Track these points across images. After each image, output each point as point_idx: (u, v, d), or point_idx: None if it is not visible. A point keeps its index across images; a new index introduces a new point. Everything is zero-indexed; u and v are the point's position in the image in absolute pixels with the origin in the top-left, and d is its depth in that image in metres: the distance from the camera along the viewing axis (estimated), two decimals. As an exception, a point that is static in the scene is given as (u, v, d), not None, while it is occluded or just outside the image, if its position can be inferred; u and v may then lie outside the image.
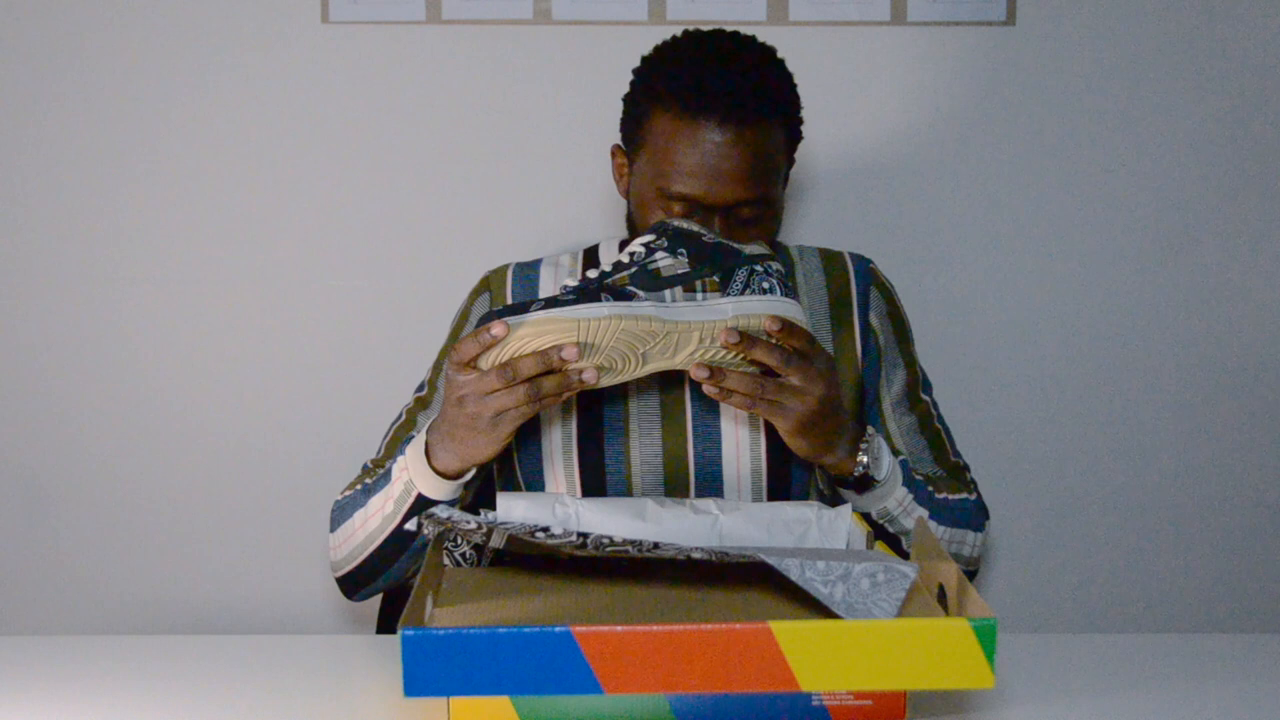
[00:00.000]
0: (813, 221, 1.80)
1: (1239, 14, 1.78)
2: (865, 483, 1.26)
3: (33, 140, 1.81)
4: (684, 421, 1.36)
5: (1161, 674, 1.09)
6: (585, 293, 1.16)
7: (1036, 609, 1.88)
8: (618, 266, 1.20)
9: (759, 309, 1.19)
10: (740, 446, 1.35)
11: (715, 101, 1.27)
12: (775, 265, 1.23)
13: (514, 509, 1.20)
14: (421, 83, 1.80)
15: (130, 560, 1.87)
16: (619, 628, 0.89)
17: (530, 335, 1.12)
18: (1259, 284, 1.83)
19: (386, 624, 1.51)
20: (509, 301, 1.43)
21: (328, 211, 1.82)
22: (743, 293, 1.20)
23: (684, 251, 1.20)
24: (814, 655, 0.90)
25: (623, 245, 1.46)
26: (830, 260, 1.45)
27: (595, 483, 1.35)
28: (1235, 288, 1.83)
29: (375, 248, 1.83)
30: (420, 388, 1.46)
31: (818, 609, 1.02)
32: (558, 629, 0.89)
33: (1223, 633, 1.77)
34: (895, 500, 1.28)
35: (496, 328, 1.11)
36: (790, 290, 1.22)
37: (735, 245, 1.22)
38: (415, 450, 1.25)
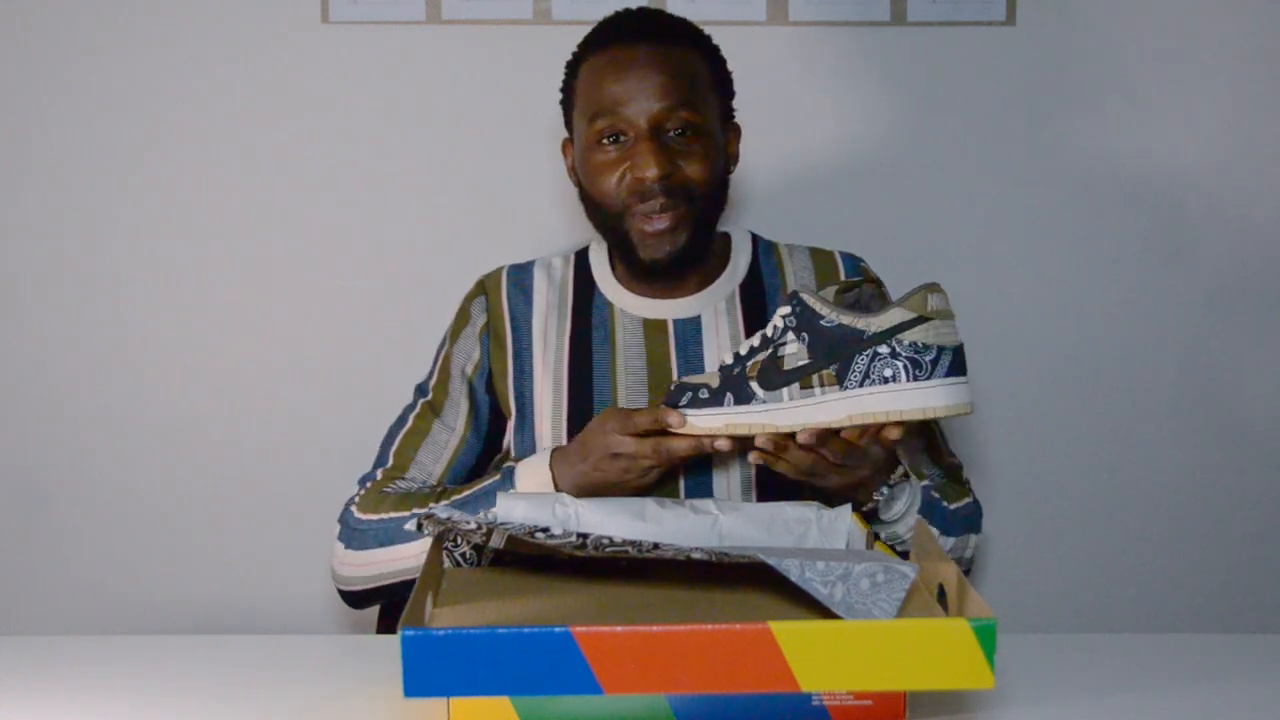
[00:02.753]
0: (812, 221, 1.80)
1: (1238, 15, 1.78)
2: (871, 516, 1.28)
3: (33, 140, 1.81)
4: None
5: (1161, 674, 1.09)
6: (719, 389, 1.19)
7: (1036, 609, 1.88)
8: (761, 343, 1.18)
9: (874, 407, 1.12)
10: (730, 457, 1.35)
11: (630, 28, 1.35)
12: (912, 339, 1.11)
13: (514, 509, 1.20)
14: (421, 83, 1.80)
15: (130, 560, 1.87)
16: (619, 628, 0.89)
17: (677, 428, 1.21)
18: (1259, 284, 1.83)
19: (386, 624, 1.51)
20: (505, 305, 1.44)
21: (327, 212, 1.82)
22: (861, 384, 1.12)
23: (806, 336, 1.15)
24: (814, 655, 0.90)
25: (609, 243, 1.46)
26: (821, 259, 1.45)
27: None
28: (1234, 288, 1.83)
29: (375, 247, 1.83)
30: (423, 390, 1.45)
31: (818, 609, 1.02)
32: (558, 629, 0.89)
33: (1223, 633, 1.77)
34: (906, 527, 1.29)
35: (673, 418, 1.20)
36: (932, 365, 1.11)
37: (858, 325, 1.13)
38: (539, 484, 1.27)
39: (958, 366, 1.11)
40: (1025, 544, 1.87)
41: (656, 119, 1.31)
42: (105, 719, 1.02)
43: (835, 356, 1.13)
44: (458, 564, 1.28)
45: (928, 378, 1.10)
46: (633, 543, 1.01)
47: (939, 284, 1.14)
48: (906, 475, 1.29)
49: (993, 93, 1.79)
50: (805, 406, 1.14)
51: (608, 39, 1.35)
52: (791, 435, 1.17)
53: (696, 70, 1.34)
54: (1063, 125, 1.80)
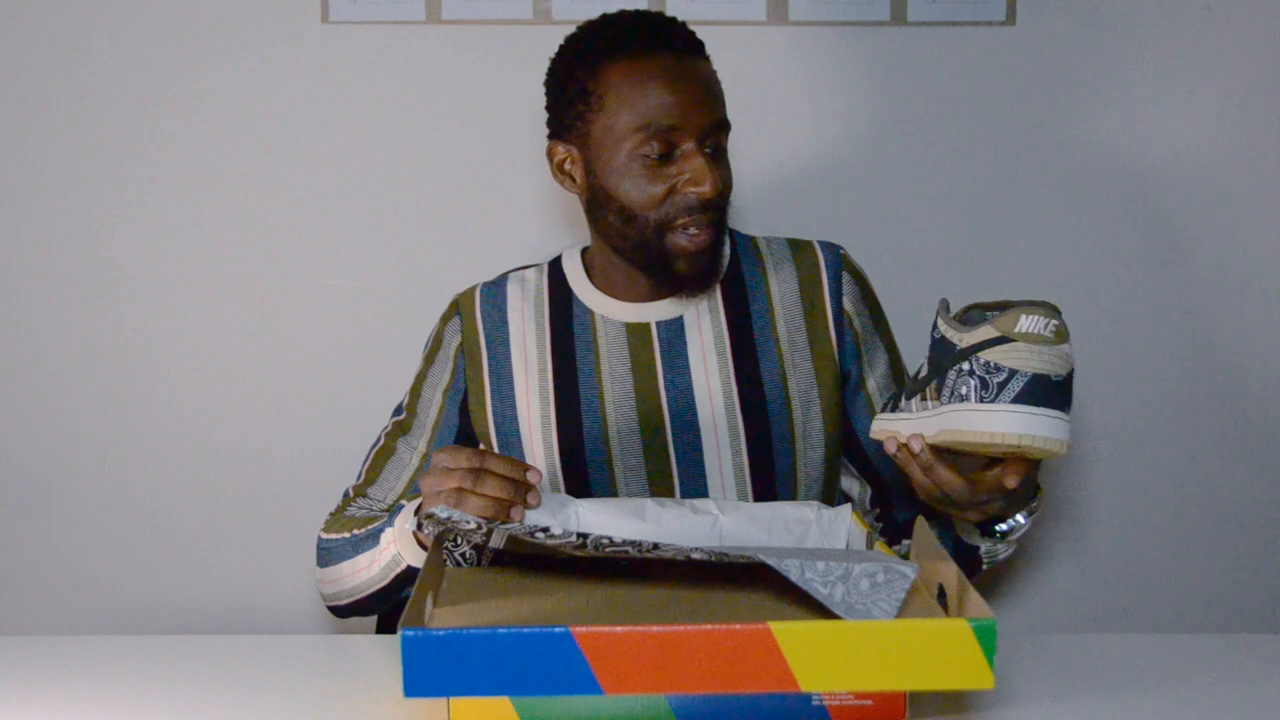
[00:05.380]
0: (812, 221, 1.80)
1: (1238, 14, 1.78)
2: (993, 532, 1.25)
3: (33, 140, 1.81)
4: (664, 433, 1.37)
5: (1162, 674, 1.09)
6: (898, 392, 1.19)
7: (1037, 609, 1.88)
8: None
9: (948, 425, 1.07)
10: (722, 451, 1.35)
11: (661, 36, 1.31)
12: (990, 358, 1.03)
13: (514, 509, 1.20)
14: (421, 83, 1.80)
15: (130, 560, 1.87)
16: (619, 628, 0.89)
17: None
18: (1258, 284, 1.83)
19: (386, 624, 1.51)
20: (480, 324, 1.43)
21: (327, 212, 1.82)
22: (949, 400, 1.07)
23: (928, 347, 1.14)
24: (814, 655, 0.90)
25: (585, 252, 1.46)
26: (800, 250, 1.44)
27: (573, 442, 1.37)
28: (1234, 288, 1.83)
29: (376, 247, 1.83)
30: (398, 411, 1.46)
31: (818, 609, 1.02)
32: (557, 629, 0.89)
33: (1223, 633, 1.77)
34: (1006, 542, 1.28)
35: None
36: (999, 388, 1.03)
37: (951, 340, 1.08)
38: (403, 531, 1.25)
39: (1032, 395, 1.02)
40: (1026, 544, 1.87)
41: (706, 133, 1.30)
42: (105, 719, 1.02)
43: (936, 369, 1.10)
44: (458, 564, 1.28)
45: (993, 400, 1.03)
46: (633, 543, 1.01)
47: (1049, 305, 1.05)
48: (1036, 505, 1.25)
49: (993, 93, 1.80)
50: (919, 419, 1.12)
51: (641, 46, 1.30)
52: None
53: (720, 83, 1.35)
54: (1063, 125, 1.80)
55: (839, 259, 1.43)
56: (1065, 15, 1.78)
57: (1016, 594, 1.88)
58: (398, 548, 1.25)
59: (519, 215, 1.82)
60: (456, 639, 0.89)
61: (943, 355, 1.09)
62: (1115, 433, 1.85)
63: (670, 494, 1.36)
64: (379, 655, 1.15)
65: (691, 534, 1.18)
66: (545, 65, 1.76)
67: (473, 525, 1.08)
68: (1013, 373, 1.02)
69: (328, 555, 1.37)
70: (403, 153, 1.81)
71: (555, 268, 1.46)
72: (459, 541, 1.25)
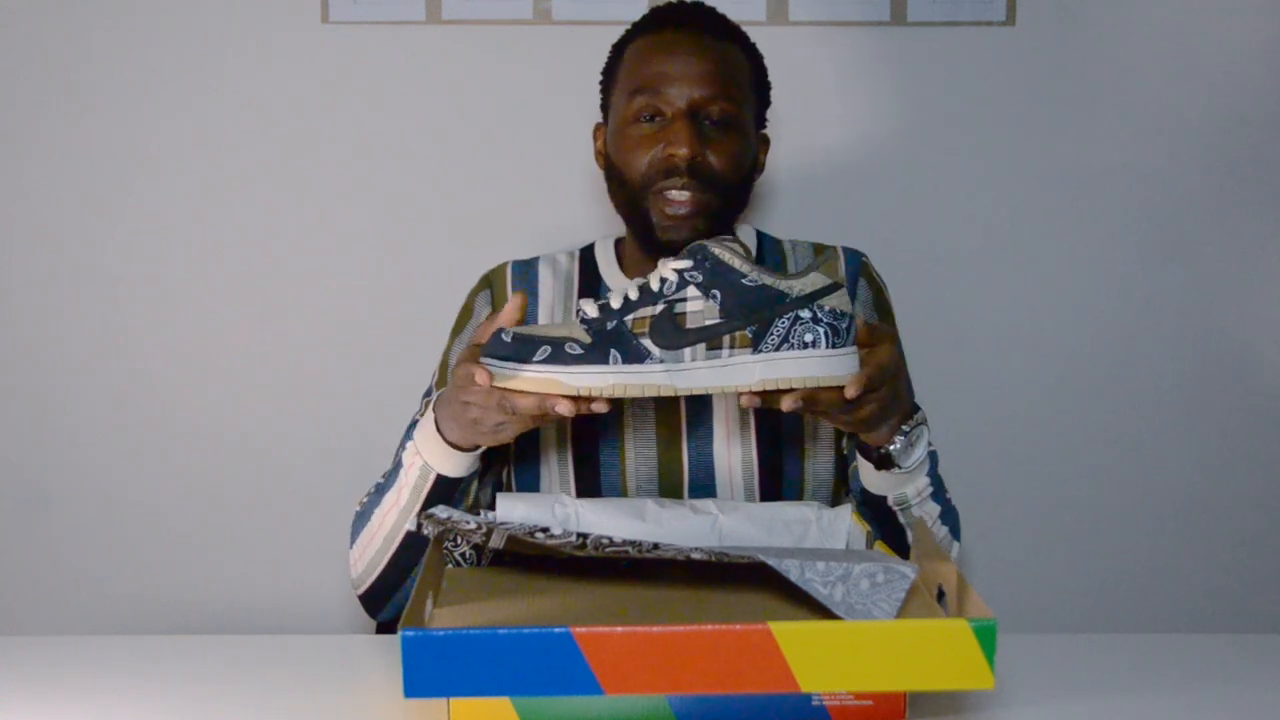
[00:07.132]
0: (811, 220, 1.80)
1: (1238, 14, 1.78)
2: (885, 462, 1.22)
3: (33, 140, 1.81)
4: (678, 419, 1.36)
5: (1161, 674, 1.09)
6: (596, 345, 1.06)
7: (1036, 609, 1.88)
8: (644, 295, 1.07)
9: (790, 373, 1.05)
10: (732, 444, 1.35)
11: (682, 15, 1.37)
12: (831, 305, 1.06)
13: (514, 509, 1.20)
14: (421, 83, 1.80)
15: (130, 560, 1.87)
16: (619, 628, 0.89)
17: (529, 387, 1.06)
18: (1258, 284, 1.83)
19: (387, 624, 1.51)
20: (510, 298, 1.42)
21: (328, 212, 1.82)
22: (779, 348, 1.05)
23: (717, 294, 1.05)
24: (814, 655, 0.90)
25: (620, 242, 1.47)
26: (822, 254, 1.45)
27: (591, 486, 1.36)
28: (1234, 287, 1.83)
29: (375, 247, 1.83)
30: (428, 393, 1.45)
31: (818, 609, 1.02)
32: (558, 629, 0.89)
33: (1223, 633, 1.77)
34: (915, 489, 1.25)
35: (480, 375, 1.06)
36: (846, 333, 1.07)
37: (780, 287, 1.06)
38: (426, 433, 1.22)
39: (855, 331, 1.09)
40: (1025, 544, 1.87)
41: (696, 103, 1.32)
42: (105, 719, 1.02)
43: (754, 318, 1.05)
44: (458, 564, 1.28)
45: (844, 345, 1.06)
46: (633, 543, 1.01)
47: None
48: (924, 421, 1.22)
49: (993, 93, 1.80)
50: (712, 368, 1.06)
51: (659, 24, 1.37)
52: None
53: (741, 68, 1.36)
54: (1062, 125, 1.80)
55: (858, 265, 1.44)
56: (1065, 15, 1.78)
57: (1016, 594, 1.88)
58: (424, 459, 1.22)
59: (519, 215, 1.82)
60: (456, 639, 0.89)
61: (762, 303, 1.05)
62: (1115, 432, 1.85)
63: (678, 491, 1.36)
64: (379, 655, 1.15)
65: (691, 534, 1.18)
66: (545, 65, 1.76)
67: (472, 525, 1.08)
68: (850, 317, 1.07)
69: (359, 520, 1.31)
70: (402, 153, 1.81)
71: (587, 254, 1.47)
72: (459, 541, 1.25)
